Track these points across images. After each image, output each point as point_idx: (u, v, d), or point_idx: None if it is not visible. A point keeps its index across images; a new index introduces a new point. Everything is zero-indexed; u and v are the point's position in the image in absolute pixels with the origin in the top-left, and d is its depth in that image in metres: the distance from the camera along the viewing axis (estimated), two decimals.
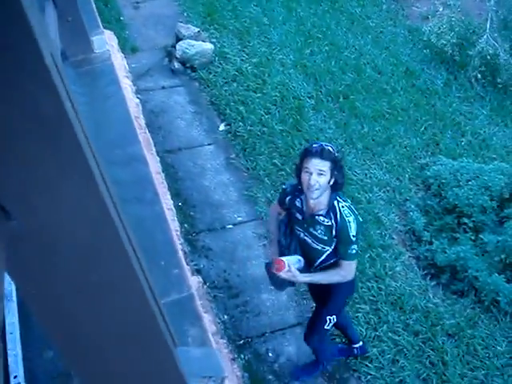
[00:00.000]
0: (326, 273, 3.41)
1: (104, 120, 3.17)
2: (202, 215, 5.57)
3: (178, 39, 7.61)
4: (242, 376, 4.16)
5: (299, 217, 3.40)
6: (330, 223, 3.25)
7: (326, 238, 3.32)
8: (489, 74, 7.00)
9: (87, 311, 0.89)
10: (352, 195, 5.61)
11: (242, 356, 4.47)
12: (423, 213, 5.50)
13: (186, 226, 5.41)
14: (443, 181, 5.57)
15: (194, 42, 7.36)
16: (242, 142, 6.29)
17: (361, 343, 4.41)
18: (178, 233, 4.31)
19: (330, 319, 3.72)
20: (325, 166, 3.08)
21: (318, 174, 3.08)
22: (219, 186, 5.88)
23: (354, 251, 3.30)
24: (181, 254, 2.37)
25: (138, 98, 4.37)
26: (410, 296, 4.80)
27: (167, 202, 3.98)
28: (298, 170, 3.22)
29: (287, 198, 3.45)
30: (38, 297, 0.87)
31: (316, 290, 3.84)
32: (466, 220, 5.24)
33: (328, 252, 3.39)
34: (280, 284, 3.62)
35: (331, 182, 3.16)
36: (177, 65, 7.41)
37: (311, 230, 3.35)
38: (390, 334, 4.54)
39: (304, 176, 3.15)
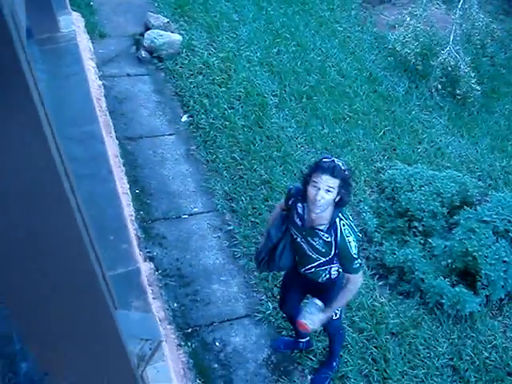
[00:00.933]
0: (341, 298, 3.52)
1: (64, 97, 3.17)
2: (158, 203, 5.59)
3: (147, 28, 7.61)
4: (187, 362, 4.21)
5: (299, 222, 3.42)
6: (329, 239, 3.29)
7: (323, 250, 3.37)
8: (449, 85, 7.20)
9: (27, 257, 0.93)
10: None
11: (189, 344, 4.50)
12: (376, 215, 5.63)
13: (141, 213, 5.42)
14: (397, 185, 5.71)
15: (162, 32, 7.38)
16: (203, 134, 6.33)
17: (307, 338, 4.50)
18: (133, 218, 4.35)
19: (335, 312, 3.78)
20: (334, 183, 3.07)
21: (326, 190, 3.07)
22: (178, 176, 5.91)
23: (358, 265, 3.38)
24: (131, 230, 2.40)
25: (101, 81, 4.37)
26: (358, 294, 4.89)
27: (123, 186, 4.01)
28: (305, 181, 3.18)
29: (290, 200, 3.48)
30: None
31: (316, 293, 3.80)
32: (416, 224, 5.39)
33: (321, 261, 3.46)
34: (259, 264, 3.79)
35: (337, 199, 3.15)
36: (144, 53, 7.41)
37: (309, 239, 3.39)
38: None
39: (311, 189, 3.11)
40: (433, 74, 7.20)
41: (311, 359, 4.49)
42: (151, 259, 5.00)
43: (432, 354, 4.63)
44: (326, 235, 3.30)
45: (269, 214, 5.46)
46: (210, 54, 7.43)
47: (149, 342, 1.51)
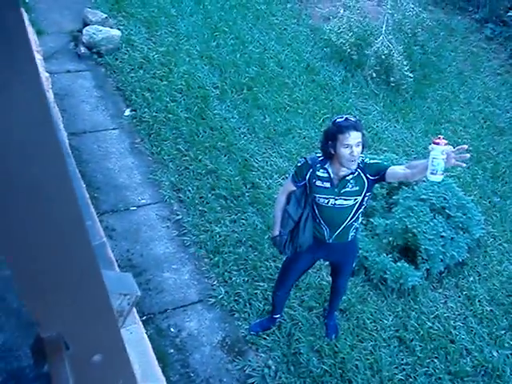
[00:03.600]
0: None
1: None
2: (105, 197, 5.62)
3: (85, 24, 7.60)
4: None
5: (326, 185, 3.64)
6: (356, 173, 3.57)
7: (357, 187, 3.61)
8: (383, 73, 7.47)
9: (24, 206, 1.03)
10: (253, 181, 5.86)
11: (145, 331, 4.57)
12: None
13: None
14: None
15: (101, 28, 7.38)
16: (147, 127, 6.39)
17: (281, 313, 4.69)
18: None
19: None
20: (360, 136, 3.40)
21: (357, 144, 3.39)
22: (124, 169, 5.95)
23: (385, 162, 3.76)
24: (92, 208, 2.48)
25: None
26: (305, 275, 5.07)
27: None
28: (331, 146, 3.47)
29: (309, 172, 3.67)
30: None
31: (337, 263, 4.26)
32: None
33: (358, 203, 3.68)
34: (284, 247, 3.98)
35: None
36: (83, 49, 7.40)
37: (343, 190, 3.62)
38: (286, 309, 4.80)
39: (344, 150, 3.41)
40: (367, 63, 7.46)
41: (264, 338, 4.63)
42: None
43: (379, 326, 4.85)
44: (354, 174, 3.58)
45: (216, 202, 5.60)
46: (149, 48, 7.48)
47: (127, 296, 1.60)
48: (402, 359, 4.65)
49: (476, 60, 8.47)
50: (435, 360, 4.67)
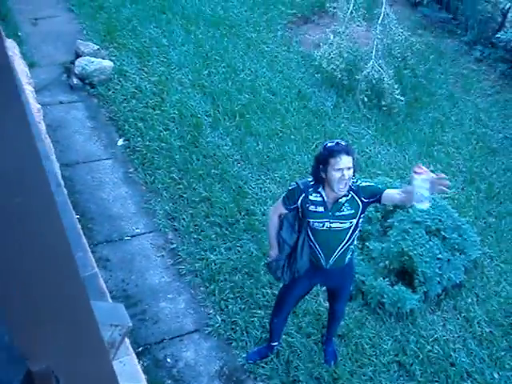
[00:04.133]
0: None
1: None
2: (100, 227, 5.60)
3: (78, 56, 7.64)
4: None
5: (320, 209, 3.66)
6: (350, 196, 3.60)
7: (352, 210, 3.63)
8: (374, 97, 7.51)
9: (11, 237, 1.01)
10: (247, 208, 5.85)
11: (141, 362, 4.52)
12: None
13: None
14: None
15: (93, 59, 7.42)
16: (140, 156, 6.39)
17: (279, 341, 4.64)
18: None
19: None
20: (351, 160, 3.47)
21: (348, 168, 3.44)
22: (117, 199, 5.93)
23: (380, 185, 3.82)
24: (84, 239, 2.46)
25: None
26: (302, 301, 5.03)
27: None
28: (322, 170, 3.53)
29: (301, 196, 3.68)
30: None
31: (334, 288, 4.27)
32: None
33: (353, 226, 3.70)
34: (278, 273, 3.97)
35: None
36: (76, 81, 7.43)
37: (337, 213, 3.64)
38: (284, 337, 4.75)
39: (335, 173, 3.46)
40: (358, 88, 7.50)
41: (263, 366, 4.59)
42: None
43: (378, 351, 4.81)
44: (347, 197, 3.60)
45: (211, 230, 5.58)
46: (141, 78, 7.52)
47: (118, 327, 1.57)
48: None
49: (466, 82, 8.53)
50: None
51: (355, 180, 3.65)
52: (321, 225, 3.71)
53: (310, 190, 3.67)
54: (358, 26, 8.05)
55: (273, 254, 3.97)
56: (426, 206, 3.26)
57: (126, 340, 2.06)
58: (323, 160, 3.51)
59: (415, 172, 3.18)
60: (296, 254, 3.84)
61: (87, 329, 1.26)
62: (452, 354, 4.84)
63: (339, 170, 3.44)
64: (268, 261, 4.07)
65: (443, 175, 3.20)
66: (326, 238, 3.76)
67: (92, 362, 1.31)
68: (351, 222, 3.70)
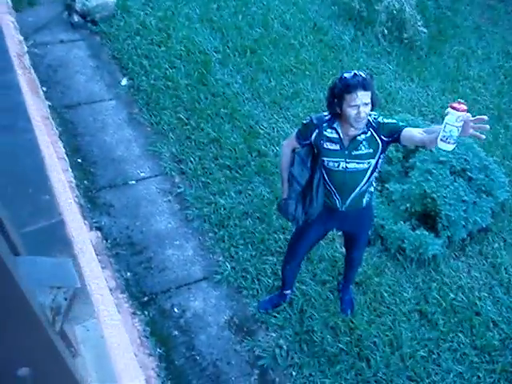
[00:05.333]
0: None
1: None
2: (103, 171, 5.30)
3: None
4: (144, 330, 3.99)
5: (336, 147, 3.31)
6: (369, 133, 3.23)
7: (371, 150, 3.27)
8: (395, 29, 7.03)
9: None
10: (258, 148, 5.50)
11: (146, 313, 4.28)
12: None
13: (85, 182, 5.15)
14: None
15: None
16: (145, 96, 6.03)
17: (291, 289, 4.38)
18: (73, 185, 4.06)
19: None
20: (368, 95, 3.06)
21: (364, 104, 3.06)
22: (121, 141, 5.61)
23: (402, 122, 3.26)
24: (53, 181, 2.14)
25: (22, 36, 4.03)
26: (318, 247, 4.73)
27: (58, 150, 3.72)
28: (336, 104, 3.14)
29: (315, 132, 3.33)
30: None
31: (351, 232, 3.93)
32: None
33: (371, 167, 3.34)
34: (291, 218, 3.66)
35: None
36: (77, 18, 7.03)
37: (354, 152, 3.28)
38: (297, 284, 4.47)
39: (350, 110, 3.08)
40: (378, 20, 7.01)
41: (275, 316, 4.32)
42: (99, 229, 4.74)
43: (398, 300, 4.52)
44: (366, 134, 3.24)
45: (220, 173, 5.26)
46: (146, 13, 7.08)
47: (62, 290, 1.27)
48: (424, 334, 4.33)
49: (493, 13, 7.98)
50: (459, 334, 4.34)
51: (376, 116, 3.27)
52: (336, 164, 3.36)
53: (325, 125, 3.30)
54: None
55: (285, 191, 3.65)
56: (450, 147, 2.80)
57: (103, 301, 1.77)
58: (338, 94, 3.11)
59: (452, 107, 2.74)
60: (312, 197, 3.52)
61: (11, 299, 0.94)
62: (477, 302, 4.54)
63: (355, 106, 3.06)
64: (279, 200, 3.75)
65: (484, 117, 2.71)
66: (342, 180, 3.41)
67: (24, 338, 1.00)
68: (369, 163, 3.33)
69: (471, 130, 2.70)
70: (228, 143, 5.52)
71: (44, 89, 5.89)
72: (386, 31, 6.97)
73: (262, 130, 5.73)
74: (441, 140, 2.78)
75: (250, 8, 7.33)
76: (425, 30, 6.90)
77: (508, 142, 5.99)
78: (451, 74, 6.84)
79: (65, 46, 6.73)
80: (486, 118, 2.71)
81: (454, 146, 2.79)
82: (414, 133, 3.11)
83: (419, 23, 6.87)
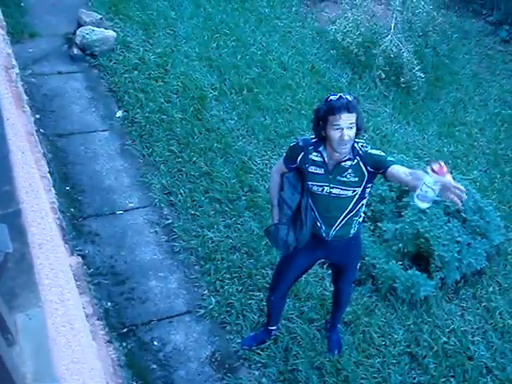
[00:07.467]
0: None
1: None
2: (90, 200, 5.20)
3: (80, 26, 7.25)
4: (118, 359, 3.82)
5: (320, 171, 3.24)
6: (355, 161, 3.18)
7: (356, 178, 3.21)
8: (392, 73, 7.04)
9: None
10: (250, 183, 5.43)
11: (125, 344, 4.11)
12: None
13: (72, 210, 5.04)
14: None
15: (95, 29, 7.04)
16: (139, 128, 5.98)
17: (277, 325, 4.23)
18: (55, 206, 3.96)
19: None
20: (353, 118, 3.03)
21: (348, 127, 3.02)
22: (112, 171, 5.53)
23: (390, 158, 3.20)
24: (16, 172, 2.04)
25: (12, 50, 3.98)
26: (306, 284, 4.60)
27: (41, 169, 3.63)
28: (321, 127, 3.11)
29: (300, 155, 3.27)
30: None
31: (339, 264, 3.84)
32: (365, 209, 5.11)
33: (357, 195, 3.27)
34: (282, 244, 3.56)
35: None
36: (76, 51, 7.05)
37: (338, 178, 3.22)
38: (283, 322, 4.32)
39: (333, 132, 3.04)
40: (375, 64, 7.02)
41: (259, 353, 4.15)
42: (82, 257, 4.61)
43: (387, 341, 4.35)
44: (351, 161, 3.18)
45: (209, 206, 5.16)
46: (146, 50, 7.11)
47: None
48: (414, 378, 4.16)
49: (491, 63, 8.01)
50: (451, 379, 4.18)
51: (364, 145, 3.20)
52: (320, 189, 3.27)
53: (311, 148, 3.24)
54: (378, 5, 7.58)
55: (274, 216, 3.55)
56: (425, 206, 2.74)
57: (50, 286, 1.64)
58: (322, 116, 3.08)
59: (432, 169, 2.63)
60: (301, 219, 3.43)
61: None
62: (470, 346, 4.37)
63: (338, 129, 3.01)
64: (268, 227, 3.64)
65: (462, 187, 2.57)
66: (326, 204, 3.32)
67: None
68: (354, 191, 3.26)
69: (451, 196, 2.59)
70: (220, 177, 5.44)
71: (38, 116, 5.88)
72: (383, 75, 6.97)
73: (255, 165, 5.65)
74: (417, 197, 2.72)
75: (248, 49, 7.36)
76: (422, 76, 6.90)
77: (504, 187, 5.90)
78: (448, 119, 6.82)
79: (62, 77, 6.72)
80: (463, 189, 2.59)
81: (429, 205, 2.73)
82: (400, 173, 3.02)
83: (416, 68, 6.88)
